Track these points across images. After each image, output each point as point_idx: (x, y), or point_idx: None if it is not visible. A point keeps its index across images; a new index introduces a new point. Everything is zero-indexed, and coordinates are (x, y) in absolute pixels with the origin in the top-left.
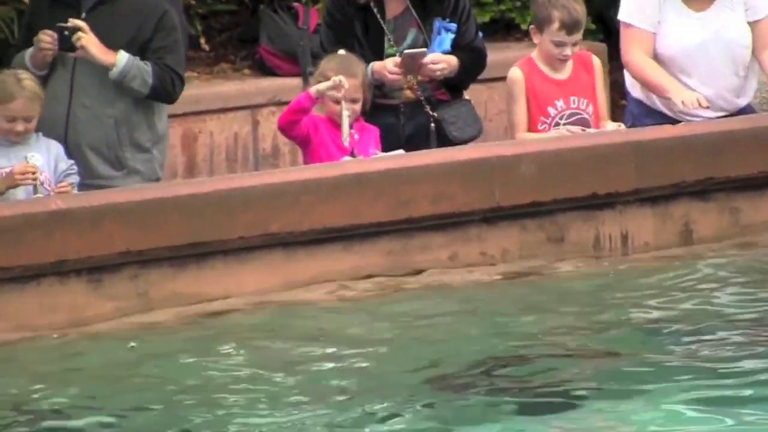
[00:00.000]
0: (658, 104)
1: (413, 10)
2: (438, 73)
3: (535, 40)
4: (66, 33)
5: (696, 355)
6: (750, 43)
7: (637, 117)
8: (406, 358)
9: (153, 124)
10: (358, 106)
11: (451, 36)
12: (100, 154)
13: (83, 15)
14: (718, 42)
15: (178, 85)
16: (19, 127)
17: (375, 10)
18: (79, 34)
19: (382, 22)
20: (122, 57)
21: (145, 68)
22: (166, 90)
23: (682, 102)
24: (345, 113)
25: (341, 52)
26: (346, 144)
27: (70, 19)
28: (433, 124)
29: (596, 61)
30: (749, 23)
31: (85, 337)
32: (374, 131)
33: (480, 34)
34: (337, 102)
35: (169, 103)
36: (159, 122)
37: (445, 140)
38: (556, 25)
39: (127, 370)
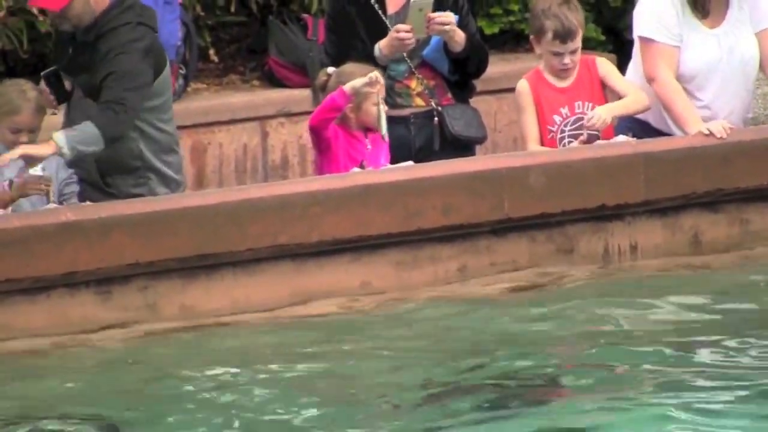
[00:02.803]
0: (670, 125)
1: None
2: (446, 27)
3: (537, 51)
4: (52, 80)
5: (706, 365)
6: (758, 56)
7: (637, 134)
8: (414, 369)
9: (140, 149)
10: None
11: None
12: (88, 183)
13: (70, 50)
14: (733, 58)
15: (122, 115)
16: (24, 138)
17: (376, 7)
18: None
19: (384, 18)
20: (58, 135)
21: (87, 129)
22: (116, 128)
23: (708, 129)
24: (382, 108)
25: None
26: (385, 138)
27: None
28: (436, 119)
29: (600, 63)
30: (755, 34)
31: (94, 348)
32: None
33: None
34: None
35: (122, 134)
36: (147, 146)
37: (448, 137)
38: (549, 35)
39: (135, 382)
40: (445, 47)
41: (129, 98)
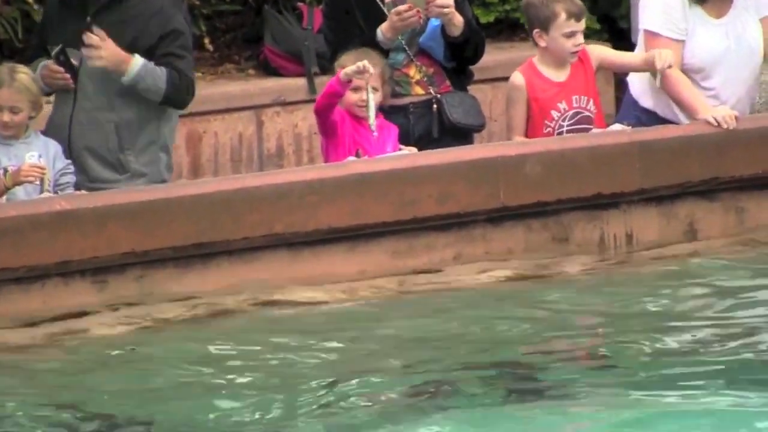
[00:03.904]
0: (678, 114)
1: None
2: (446, 10)
3: (542, 43)
4: (62, 58)
5: (700, 355)
6: (762, 43)
7: (645, 123)
8: (409, 358)
9: (158, 127)
10: (378, 96)
11: None
12: (100, 158)
13: (88, 19)
14: (741, 47)
15: (191, 91)
16: (5, 117)
17: None
18: (93, 52)
19: (382, 5)
20: (136, 63)
21: (159, 74)
22: (180, 96)
23: (714, 119)
24: (371, 97)
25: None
26: (374, 129)
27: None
28: (435, 106)
29: (591, 50)
30: (759, 20)
31: (89, 338)
32: (393, 129)
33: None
34: (359, 89)
35: (180, 108)
36: (166, 124)
37: (446, 125)
38: (563, 16)
39: (131, 372)
40: (443, 32)
41: (193, 85)
